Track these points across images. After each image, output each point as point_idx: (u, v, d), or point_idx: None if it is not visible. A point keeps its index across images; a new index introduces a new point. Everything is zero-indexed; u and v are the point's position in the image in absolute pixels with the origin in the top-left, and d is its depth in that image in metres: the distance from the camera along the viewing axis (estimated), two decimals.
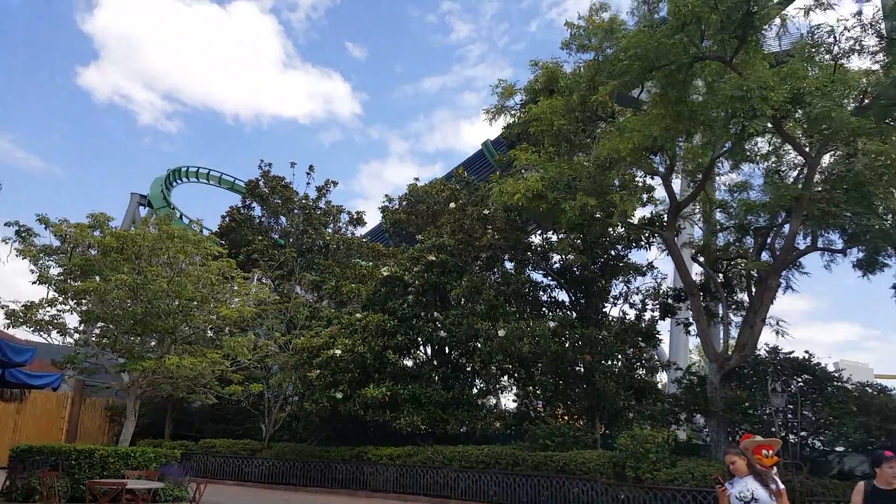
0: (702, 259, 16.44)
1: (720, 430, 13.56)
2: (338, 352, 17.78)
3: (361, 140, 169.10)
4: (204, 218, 58.71)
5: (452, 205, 19.38)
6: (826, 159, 13.95)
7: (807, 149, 13.10)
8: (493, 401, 20.51)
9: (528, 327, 15.41)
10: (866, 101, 12.30)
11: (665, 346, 23.04)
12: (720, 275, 16.36)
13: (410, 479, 16.09)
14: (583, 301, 17.98)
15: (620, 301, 18.72)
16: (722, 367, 13.86)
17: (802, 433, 12.69)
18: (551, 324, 15.87)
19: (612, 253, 17.82)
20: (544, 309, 18.15)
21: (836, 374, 13.46)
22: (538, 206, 13.86)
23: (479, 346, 16.91)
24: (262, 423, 20.75)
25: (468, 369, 19.13)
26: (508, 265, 18.98)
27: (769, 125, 12.36)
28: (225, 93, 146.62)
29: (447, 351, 19.07)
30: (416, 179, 23.27)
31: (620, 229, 17.36)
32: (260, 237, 25.55)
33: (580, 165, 14.22)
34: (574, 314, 17.92)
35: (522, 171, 16.03)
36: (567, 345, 15.97)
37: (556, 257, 18.40)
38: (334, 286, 22.38)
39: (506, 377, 19.20)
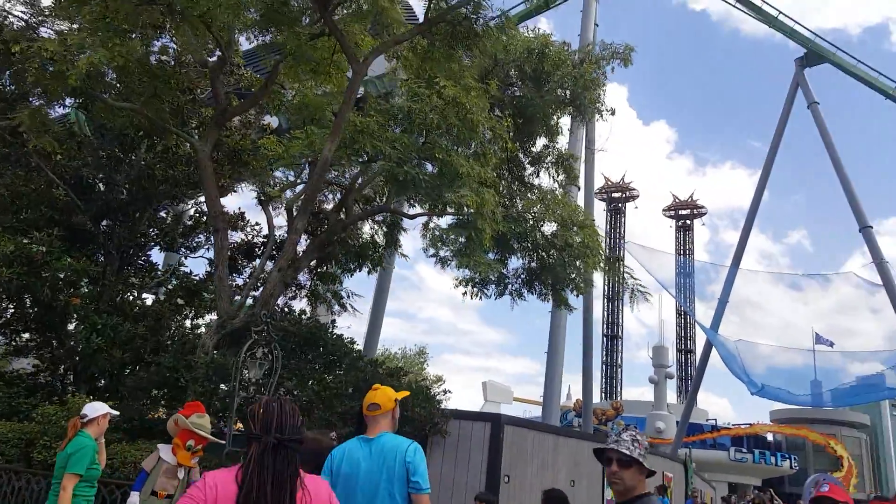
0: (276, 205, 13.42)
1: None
2: None
3: None
4: None
5: None
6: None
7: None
8: None
9: None
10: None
11: None
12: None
13: None
14: (120, 232, 13.55)
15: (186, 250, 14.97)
16: (223, 325, 10.70)
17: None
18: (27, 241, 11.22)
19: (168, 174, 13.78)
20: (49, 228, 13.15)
21: (357, 352, 11.21)
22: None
23: None
24: None
25: None
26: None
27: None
28: None
29: None
30: None
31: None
32: None
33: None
34: (101, 247, 13.52)
35: None
36: (46, 277, 11.48)
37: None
38: None
39: None
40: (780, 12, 29.82)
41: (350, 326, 39.48)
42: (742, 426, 44.00)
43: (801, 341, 34.33)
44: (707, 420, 45.91)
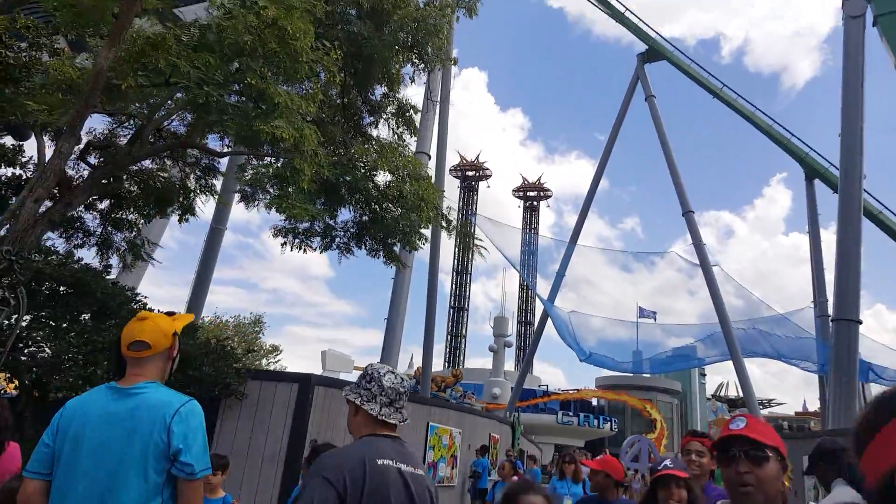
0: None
1: None
2: None
3: None
4: None
5: None
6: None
7: None
8: None
9: None
10: None
11: None
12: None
13: None
14: None
15: None
16: None
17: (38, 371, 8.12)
18: None
19: None
20: None
21: (141, 303, 9.48)
22: None
23: None
24: None
25: None
26: None
27: None
28: None
29: None
30: None
31: None
32: None
33: None
34: None
35: None
36: None
37: None
38: None
39: None
40: (627, 9, 31.52)
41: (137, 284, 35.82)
42: (570, 392, 46.90)
43: (627, 316, 36.91)
44: (539, 386, 48.37)
